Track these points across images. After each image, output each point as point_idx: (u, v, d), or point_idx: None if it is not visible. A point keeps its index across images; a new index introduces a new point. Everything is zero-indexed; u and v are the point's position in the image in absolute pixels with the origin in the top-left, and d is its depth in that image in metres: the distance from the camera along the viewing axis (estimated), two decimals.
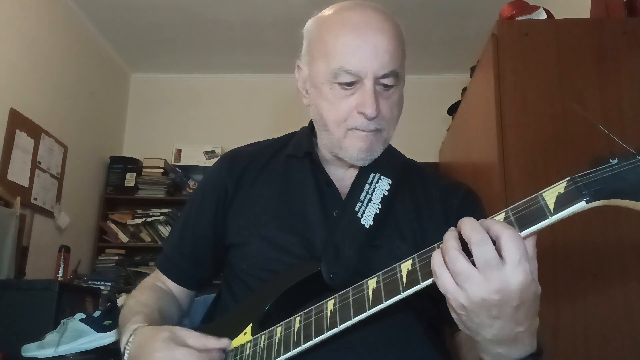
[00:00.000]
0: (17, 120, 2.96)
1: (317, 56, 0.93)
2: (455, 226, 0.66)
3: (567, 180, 0.60)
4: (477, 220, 0.64)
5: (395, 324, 0.87)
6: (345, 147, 0.92)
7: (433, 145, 3.36)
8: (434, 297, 0.93)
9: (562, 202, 0.60)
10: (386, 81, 0.89)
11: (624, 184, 0.57)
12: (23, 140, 3.01)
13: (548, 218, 0.60)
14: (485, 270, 0.60)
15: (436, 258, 0.64)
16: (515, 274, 0.59)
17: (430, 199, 0.98)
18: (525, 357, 0.66)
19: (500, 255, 0.60)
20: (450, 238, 0.63)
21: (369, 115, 0.87)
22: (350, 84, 0.88)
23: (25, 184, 3.03)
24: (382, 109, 0.89)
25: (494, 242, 0.60)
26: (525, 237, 0.61)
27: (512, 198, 0.64)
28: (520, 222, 0.62)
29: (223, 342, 0.83)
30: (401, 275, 0.69)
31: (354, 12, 0.91)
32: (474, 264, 0.61)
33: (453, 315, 0.65)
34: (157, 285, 1.05)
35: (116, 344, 1.66)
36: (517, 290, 0.60)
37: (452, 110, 2.85)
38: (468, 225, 0.62)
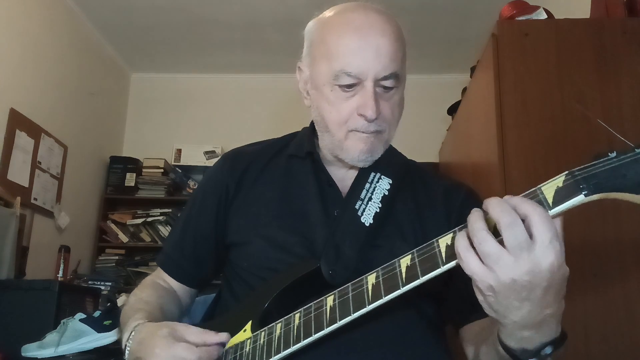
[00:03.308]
0: (17, 120, 2.96)
1: (319, 58, 0.93)
2: (456, 226, 0.66)
3: (566, 174, 0.60)
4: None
5: (396, 323, 0.87)
6: (346, 149, 0.93)
7: (433, 145, 3.36)
8: (434, 296, 0.94)
9: (561, 195, 0.60)
10: (387, 83, 0.89)
11: (623, 177, 0.57)
12: (23, 140, 3.01)
13: (547, 212, 0.60)
14: (515, 251, 0.58)
15: (461, 240, 0.63)
16: (546, 254, 0.58)
17: (431, 199, 0.98)
18: (550, 341, 0.66)
19: (530, 235, 0.59)
20: (477, 220, 0.62)
21: (369, 117, 0.88)
22: (350, 86, 0.89)
23: (25, 184, 3.03)
24: (382, 110, 0.89)
25: (522, 221, 0.59)
26: (553, 217, 0.60)
27: None
28: None
29: (222, 337, 0.83)
30: (400, 271, 0.70)
31: (355, 13, 0.91)
32: (501, 244, 0.59)
33: (479, 297, 0.64)
34: (158, 283, 1.05)
35: (116, 343, 1.66)
36: (547, 271, 0.59)
37: (452, 110, 2.85)
38: (497, 207, 0.60)
